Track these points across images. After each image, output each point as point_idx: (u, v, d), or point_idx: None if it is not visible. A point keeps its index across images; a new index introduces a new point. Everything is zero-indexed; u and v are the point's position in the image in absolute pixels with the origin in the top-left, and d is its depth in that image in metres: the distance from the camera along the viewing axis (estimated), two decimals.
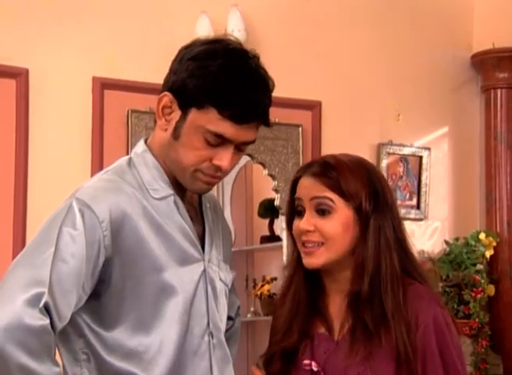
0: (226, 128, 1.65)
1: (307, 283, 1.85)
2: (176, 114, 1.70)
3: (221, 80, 1.64)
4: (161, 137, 1.74)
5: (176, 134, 1.70)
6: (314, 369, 1.79)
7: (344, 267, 1.80)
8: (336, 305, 1.82)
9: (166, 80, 1.74)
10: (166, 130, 1.72)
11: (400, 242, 1.80)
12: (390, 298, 1.73)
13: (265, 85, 1.70)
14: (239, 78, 1.65)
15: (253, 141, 1.72)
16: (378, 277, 1.75)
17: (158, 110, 1.73)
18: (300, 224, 1.80)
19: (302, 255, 1.80)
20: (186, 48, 1.72)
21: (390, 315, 1.72)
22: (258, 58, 1.71)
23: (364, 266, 1.76)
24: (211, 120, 1.65)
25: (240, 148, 1.71)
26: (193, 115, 1.67)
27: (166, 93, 1.70)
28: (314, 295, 1.85)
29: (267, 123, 1.71)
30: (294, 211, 1.84)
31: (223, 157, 1.68)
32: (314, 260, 1.78)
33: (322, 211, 1.77)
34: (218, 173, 1.71)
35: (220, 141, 1.67)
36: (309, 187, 1.79)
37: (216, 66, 1.64)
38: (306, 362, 1.81)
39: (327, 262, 1.78)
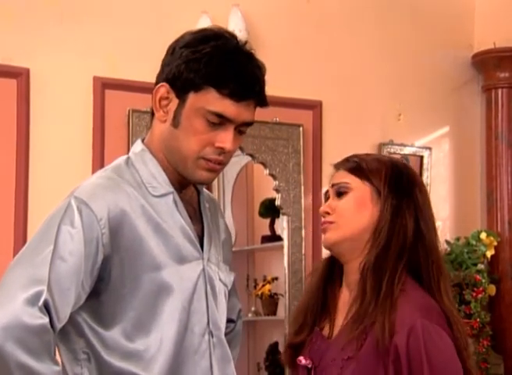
0: (226, 107, 1.67)
1: (325, 278, 1.88)
2: (174, 103, 1.71)
3: (216, 60, 1.67)
4: (160, 130, 1.75)
5: (175, 122, 1.71)
6: (308, 365, 1.80)
7: (355, 255, 1.80)
8: (343, 300, 1.83)
9: (159, 75, 1.76)
10: (165, 121, 1.73)
11: (422, 236, 1.80)
12: (388, 300, 1.72)
13: (259, 64, 1.74)
14: (233, 56, 1.69)
15: (251, 123, 1.74)
16: (387, 250, 1.76)
17: (155, 102, 1.74)
18: (321, 208, 1.86)
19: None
20: (176, 41, 1.75)
21: (380, 301, 1.71)
22: (247, 43, 1.75)
23: (378, 237, 1.77)
24: (211, 100, 1.67)
25: (239, 129, 1.73)
26: (192, 98, 1.69)
27: (162, 83, 1.72)
28: (329, 290, 1.87)
29: (264, 102, 1.74)
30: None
31: (225, 138, 1.69)
32: (328, 235, 1.82)
33: (340, 193, 1.82)
34: (221, 157, 1.71)
35: (221, 121, 1.68)
36: (334, 177, 1.86)
37: (210, 48, 1.68)
38: (300, 358, 1.82)
39: (340, 238, 1.81)
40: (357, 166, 1.82)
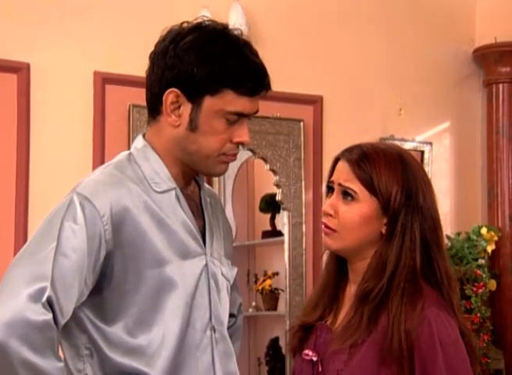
0: (244, 104, 1.70)
1: (338, 270, 1.86)
2: (186, 107, 1.70)
3: (228, 61, 1.68)
4: (172, 135, 1.73)
5: (192, 126, 1.71)
6: (314, 358, 1.79)
7: (363, 258, 1.79)
8: (350, 295, 1.82)
9: (159, 78, 1.71)
10: (178, 125, 1.72)
11: (427, 245, 1.76)
12: (398, 298, 1.71)
13: (255, 51, 1.75)
14: (242, 54, 1.70)
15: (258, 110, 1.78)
16: (394, 278, 1.73)
17: (165, 108, 1.71)
18: (324, 206, 1.82)
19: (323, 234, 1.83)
20: (172, 42, 1.70)
21: (392, 315, 1.70)
22: (238, 31, 1.76)
23: (385, 265, 1.74)
24: (229, 101, 1.69)
25: (248, 118, 1.76)
26: (209, 102, 1.69)
27: (172, 89, 1.69)
28: (340, 282, 1.86)
29: (270, 87, 1.76)
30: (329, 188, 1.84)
31: (242, 133, 1.73)
32: (329, 242, 1.80)
33: (346, 193, 1.76)
34: (238, 149, 1.76)
35: (238, 117, 1.71)
36: (341, 172, 1.79)
37: (219, 49, 1.68)
38: (306, 351, 1.81)
39: (342, 248, 1.79)
40: (367, 178, 1.74)
